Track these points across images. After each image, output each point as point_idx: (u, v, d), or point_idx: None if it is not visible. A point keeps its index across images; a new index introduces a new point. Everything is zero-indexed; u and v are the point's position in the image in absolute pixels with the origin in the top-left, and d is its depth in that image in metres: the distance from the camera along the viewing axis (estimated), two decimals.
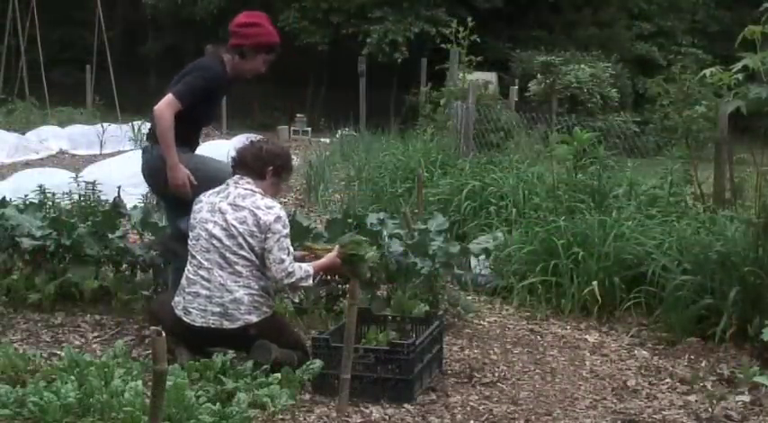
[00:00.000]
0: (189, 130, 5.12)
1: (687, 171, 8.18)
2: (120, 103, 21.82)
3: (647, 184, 8.14)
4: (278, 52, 5.25)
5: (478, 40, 12.46)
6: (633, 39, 26.85)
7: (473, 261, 6.85)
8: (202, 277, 4.60)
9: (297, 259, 4.75)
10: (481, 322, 6.04)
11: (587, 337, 5.83)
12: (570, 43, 24.54)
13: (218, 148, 10.07)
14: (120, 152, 14.18)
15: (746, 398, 4.71)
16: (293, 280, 4.63)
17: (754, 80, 5.49)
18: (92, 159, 13.87)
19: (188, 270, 4.69)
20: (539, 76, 18.72)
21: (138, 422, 3.65)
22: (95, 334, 5.36)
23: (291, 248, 4.69)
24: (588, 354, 5.48)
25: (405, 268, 5.72)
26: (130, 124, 16.56)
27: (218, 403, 3.93)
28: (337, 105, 19.89)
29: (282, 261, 4.59)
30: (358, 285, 4.37)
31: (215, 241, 4.61)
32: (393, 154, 11.08)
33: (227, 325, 4.55)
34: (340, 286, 5.64)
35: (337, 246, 4.90)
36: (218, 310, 4.56)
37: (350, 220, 5.97)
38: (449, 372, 4.97)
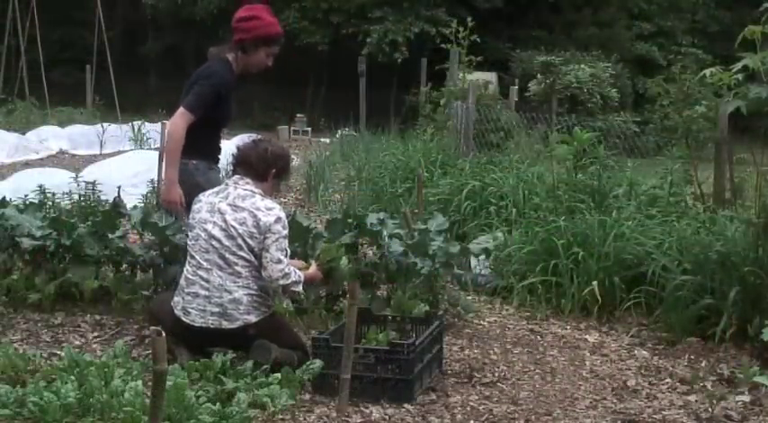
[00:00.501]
0: (211, 136, 5.15)
1: (687, 171, 8.18)
2: (120, 103, 21.83)
3: (647, 184, 8.14)
4: (280, 43, 5.20)
5: (478, 40, 12.46)
6: (633, 39, 26.87)
7: (473, 261, 6.85)
8: (201, 277, 4.60)
9: None
10: (481, 322, 6.04)
11: (587, 337, 5.83)
12: (570, 43, 24.55)
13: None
14: (120, 152, 14.15)
15: (746, 398, 4.71)
16: (288, 282, 4.63)
17: (754, 80, 5.49)
18: (92, 159, 13.86)
19: (187, 270, 4.68)
20: (539, 76, 18.75)
21: (138, 422, 3.65)
22: (95, 334, 5.36)
23: (289, 250, 4.69)
24: (588, 354, 5.48)
25: (405, 268, 5.72)
26: (130, 124, 16.57)
27: (218, 403, 3.93)
28: (337, 105, 19.91)
29: (280, 261, 4.59)
30: (358, 285, 4.38)
31: (214, 242, 4.60)
32: (393, 154, 11.08)
33: (226, 325, 4.55)
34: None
35: (313, 261, 5.15)
36: (216, 310, 4.56)
37: (350, 220, 5.97)
38: (449, 372, 4.97)
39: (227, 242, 4.58)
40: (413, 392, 4.47)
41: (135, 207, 6.74)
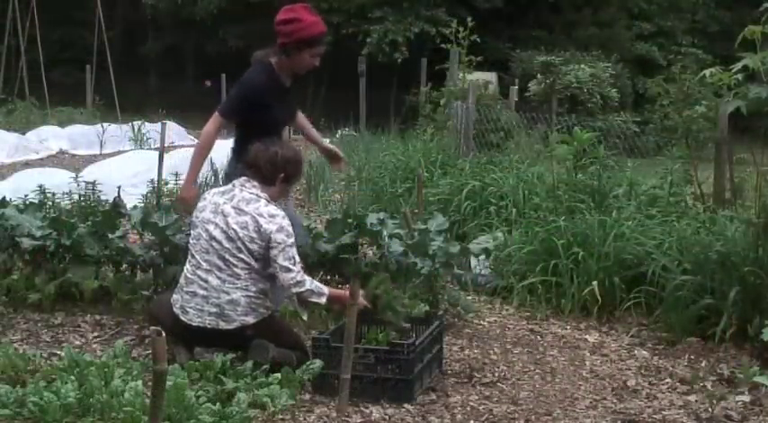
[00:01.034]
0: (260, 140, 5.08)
1: (687, 171, 8.17)
2: (120, 103, 21.83)
3: (647, 184, 8.13)
4: (324, 42, 5.12)
5: (478, 40, 12.45)
6: (633, 39, 26.87)
7: (473, 261, 6.85)
8: (200, 277, 4.59)
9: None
10: (481, 322, 6.03)
11: (587, 337, 5.83)
12: (570, 43, 24.55)
13: (220, 149, 10.05)
14: (120, 152, 14.17)
15: (746, 398, 4.71)
16: (303, 290, 4.57)
17: (754, 80, 5.49)
18: (92, 159, 13.86)
19: (187, 269, 4.68)
20: (539, 76, 18.75)
21: (138, 422, 3.65)
22: (95, 334, 5.36)
23: (298, 258, 4.62)
24: (588, 354, 5.48)
25: (405, 268, 5.72)
26: (130, 124, 16.56)
27: (218, 403, 3.93)
28: (337, 105, 19.88)
29: (289, 270, 4.53)
30: (358, 285, 4.38)
31: (214, 243, 4.59)
32: (393, 154, 11.07)
33: (223, 326, 4.54)
34: (340, 286, 5.64)
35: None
36: (214, 310, 4.55)
37: (350, 220, 5.97)
38: (449, 372, 4.97)
39: (227, 244, 4.57)
40: (413, 392, 4.48)
41: (135, 207, 6.74)
